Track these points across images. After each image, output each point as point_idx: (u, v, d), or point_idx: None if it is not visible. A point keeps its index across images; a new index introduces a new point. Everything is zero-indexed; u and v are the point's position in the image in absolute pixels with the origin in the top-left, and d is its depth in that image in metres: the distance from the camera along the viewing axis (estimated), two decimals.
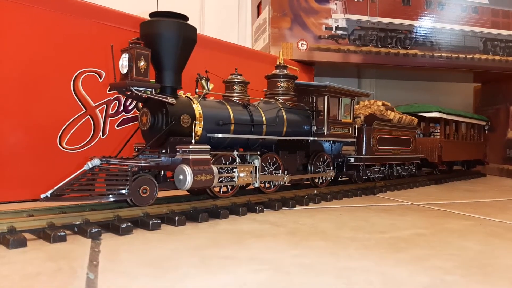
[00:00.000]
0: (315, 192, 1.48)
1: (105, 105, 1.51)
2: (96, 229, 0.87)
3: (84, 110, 1.45)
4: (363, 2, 2.51)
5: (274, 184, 1.36)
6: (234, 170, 1.20)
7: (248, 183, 1.26)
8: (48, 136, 1.36)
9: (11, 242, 0.76)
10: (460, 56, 2.62)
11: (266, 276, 0.64)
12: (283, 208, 1.29)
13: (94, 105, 1.47)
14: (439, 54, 2.59)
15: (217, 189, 1.20)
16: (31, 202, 1.22)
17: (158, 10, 2.57)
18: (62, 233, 0.82)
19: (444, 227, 1.07)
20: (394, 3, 2.56)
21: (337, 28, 2.48)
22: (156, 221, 0.97)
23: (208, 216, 1.09)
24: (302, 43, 2.43)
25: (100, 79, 1.52)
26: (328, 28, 2.47)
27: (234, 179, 1.20)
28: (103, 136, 1.50)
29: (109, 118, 1.52)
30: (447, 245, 0.88)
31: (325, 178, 1.58)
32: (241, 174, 1.21)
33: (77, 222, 0.89)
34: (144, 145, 1.16)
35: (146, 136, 1.16)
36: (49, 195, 0.94)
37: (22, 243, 0.77)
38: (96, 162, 0.99)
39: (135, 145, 1.21)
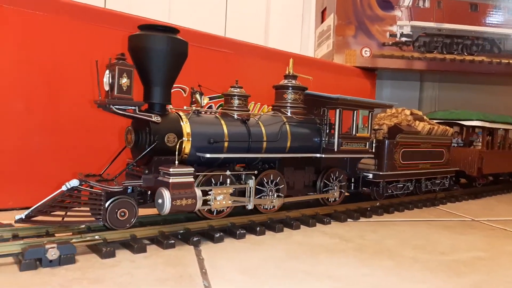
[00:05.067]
0: (377, 204, 1.59)
1: None
2: (197, 238, 1.05)
3: None
4: (429, 9, 2.52)
5: (264, 207, 1.29)
6: (210, 192, 1.12)
7: (227, 206, 1.17)
8: None
9: (135, 248, 0.96)
10: None
11: None
12: (348, 220, 1.42)
13: None
14: (507, 61, 2.54)
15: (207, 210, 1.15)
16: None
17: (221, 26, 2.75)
18: (172, 241, 1.02)
19: (504, 250, 1.15)
20: (461, 9, 2.55)
21: (402, 35, 2.51)
22: (241, 231, 1.14)
23: (283, 227, 1.25)
24: (366, 50, 2.50)
25: (184, 94, 1.72)
26: (393, 35, 2.51)
27: (209, 203, 1.12)
28: None
29: None
30: (506, 271, 0.97)
31: (339, 194, 1.48)
32: (218, 197, 1.13)
33: (181, 231, 1.08)
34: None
35: (133, 154, 1.14)
36: (23, 217, 0.93)
37: (144, 249, 0.97)
38: (74, 182, 0.97)
39: (128, 160, 1.19)
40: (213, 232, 1.10)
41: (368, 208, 1.53)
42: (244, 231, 1.15)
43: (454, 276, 0.92)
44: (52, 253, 0.83)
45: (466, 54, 2.55)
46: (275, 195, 1.30)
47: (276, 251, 1.03)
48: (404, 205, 1.66)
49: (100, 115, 1.28)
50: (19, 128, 1.34)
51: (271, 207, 1.30)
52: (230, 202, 1.16)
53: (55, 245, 0.85)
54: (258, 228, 1.18)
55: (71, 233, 1.01)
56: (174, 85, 1.66)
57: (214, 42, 1.81)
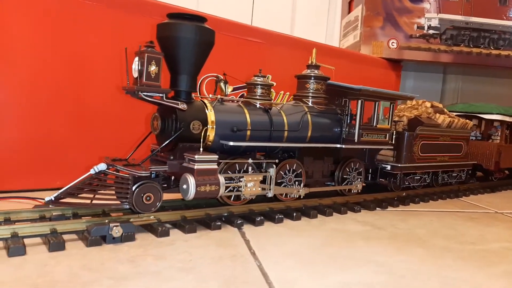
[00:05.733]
0: (404, 194, 1.65)
1: None
2: (240, 221, 1.12)
3: None
4: (457, 2, 2.52)
5: (290, 196, 1.32)
6: (241, 179, 1.17)
7: (257, 194, 1.21)
8: None
9: (186, 229, 1.03)
10: None
11: (385, 278, 0.84)
12: (377, 209, 1.47)
13: None
14: None
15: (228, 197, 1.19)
16: None
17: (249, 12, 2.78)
18: (218, 223, 1.09)
19: None
20: (490, 3, 2.54)
21: (429, 27, 2.52)
22: (280, 216, 1.21)
23: (317, 213, 1.31)
24: (393, 42, 2.51)
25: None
26: (420, 27, 2.52)
27: (240, 189, 1.16)
28: None
29: None
30: None
31: (358, 190, 1.51)
32: (249, 184, 1.18)
33: (225, 214, 1.15)
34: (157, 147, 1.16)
35: (158, 140, 1.17)
36: (53, 199, 0.97)
37: (194, 230, 1.04)
38: (102, 166, 1.02)
39: (152, 145, 1.21)
40: (254, 215, 1.17)
41: (395, 198, 1.59)
42: (282, 216, 1.22)
43: (485, 265, 0.97)
44: (116, 231, 0.91)
45: (492, 48, 2.55)
46: (302, 185, 1.34)
47: (315, 237, 1.10)
48: (429, 196, 1.71)
49: (127, 102, 1.32)
50: (48, 114, 1.38)
51: (296, 196, 1.33)
52: (259, 189, 1.20)
53: (118, 223, 0.92)
54: (294, 214, 1.24)
55: (121, 214, 1.08)
56: (208, 74, 1.75)
57: (243, 31, 1.85)
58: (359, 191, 1.52)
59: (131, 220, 0.98)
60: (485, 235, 1.24)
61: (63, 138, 1.41)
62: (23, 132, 1.35)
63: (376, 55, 2.49)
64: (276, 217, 1.20)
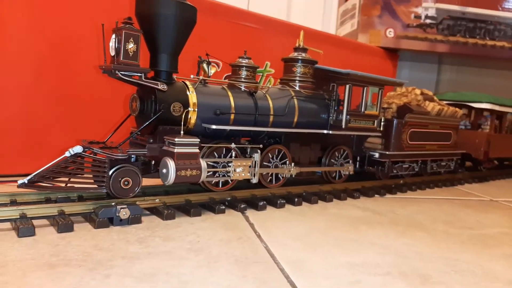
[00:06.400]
0: (401, 182, 1.67)
1: None
2: (243, 205, 1.13)
3: None
4: None
5: (282, 176, 1.31)
6: (230, 164, 1.15)
7: (246, 178, 1.19)
8: None
9: (192, 212, 1.04)
10: None
11: (392, 259, 0.86)
12: (376, 196, 1.50)
13: None
14: None
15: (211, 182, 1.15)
16: None
17: None
18: (222, 207, 1.09)
19: None
20: None
21: (426, 17, 2.54)
22: (281, 201, 1.22)
23: (318, 199, 1.32)
24: (390, 31, 2.52)
25: (218, 69, 1.77)
26: (417, 16, 2.53)
27: (229, 174, 1.15)
28: None
29: None
30: None
31: (343, 173, 1.49)
32: (237, 169, 1.16)
33: (228, 198, 1.16)
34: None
35: (137, 122, 1.13)
36: (26, 182, 0.92)
37: (199, 213, 1.05)
38: (78, 149, 0.97)
39: (132, 128, 1.17)
40: (256, 200, 1.18)
41: (393, 186, 1.61)
42: (284, 201, 1.23)
43: (485, 248, 1.00)
44: (124, 213, 0.91)
45: (488, 39, 2.58)
46: (292, 164, 1.31)
47: (318, 221, 1.11)
48: (426, 184, 1.74)
49: (106, 82, 1.25)
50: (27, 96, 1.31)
51: (288, 176, 1.31)
52: (248, 174, 1.18)
53: (125, 205, 0.93)
54: (296, 199, 1.26)
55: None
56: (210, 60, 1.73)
57: (240, 16, 1.83)
58: (351, 172, 1.50)
59: (137, 202, 0.98)
60: (482, 221, 1.27)
61: (44, 121, 1.35)
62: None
63: (373, 44, 2.50)
64: (278, 202, 1.21)
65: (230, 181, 1.19)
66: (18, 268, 0.68)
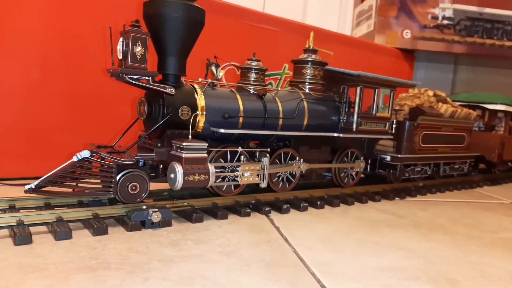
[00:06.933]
0: (420, 184, 1.68)
1: None
2: (268, 208, 1.15)
3: None
4: None
5: (293, 173, 1.29)
6: (238, 168, 1.13)
7: (254, 183, 1.17)
8: None
9: (219, 215, 1.06)
10: None
11: (418, 263, 0.88)
12: (396, 198, 1.51)
13: None
14: None
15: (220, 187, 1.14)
16: None
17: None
18: (248, 210, 1.12)
19: None
20: None
21: (443, 17, 2.53)
22: (304, 204, 1.24)
23: (339, 202, 1.34)
24: (407, 32, 2.52)
25: (238, 72, 1.79)
26: (434, 17, 2.53)
27: (237, 179, 1.13)
28: None
29: None
30: None
31: (355, 173, 1.46)
32: (245, 174, 1.14)
33: (253, 201, 1.18)
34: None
35: (145, 126, 1.12)
36: (33, 187, 0.92)
37: (226, 216, 1.07)
38: (86, 153, 0.97)
39: (140, 132, 1.16)
40: (280, 203, 1.20)
41: (413, 188, 1.62)
42: (307, 204, 1.25)
43: (508, 252, 1.01)
44: (155, 216, 0.94)
45: (505, 39, 2.56)
46: (302, 160, 1.29)
47: (340, 224, 1.13)
48: (445, 186, 1.74)
49: (114, 85, 1.26)
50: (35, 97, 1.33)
51: (298, 174, 1.29)
52: (257, 178, 1.16)
53: (157, 209, 0.95)
54: (318, 202, 1.28)
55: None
56: (226, 63, 1.76)
57: (256, 18, 1.86)
58: (362, 169, 1.48)
59: (166, 206, 1.01)
60: (504, 224, 1.27)
61: (53, 123, 1.37)
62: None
63: (390, 45, 2.50)
64: (302, 205, 1.23)
65: (240, 185, 1.17)
66: (60, 270, 0.71)
